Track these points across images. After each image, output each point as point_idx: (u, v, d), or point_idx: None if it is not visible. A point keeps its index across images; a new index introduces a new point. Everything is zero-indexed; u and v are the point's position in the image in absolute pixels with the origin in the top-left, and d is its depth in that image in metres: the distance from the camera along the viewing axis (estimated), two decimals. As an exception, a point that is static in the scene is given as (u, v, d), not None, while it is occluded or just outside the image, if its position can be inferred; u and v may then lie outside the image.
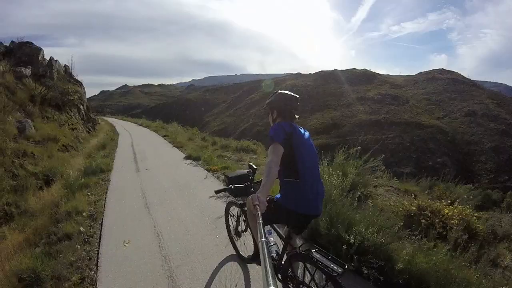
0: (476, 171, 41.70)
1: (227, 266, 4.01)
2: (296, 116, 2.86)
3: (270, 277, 1.05)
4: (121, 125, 37.34)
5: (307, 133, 2.81)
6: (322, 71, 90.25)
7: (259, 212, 1.87)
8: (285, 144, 2.46)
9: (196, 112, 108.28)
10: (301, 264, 2.60)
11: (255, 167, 3.51)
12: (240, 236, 3.98)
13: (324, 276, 2.28)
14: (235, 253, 4.20)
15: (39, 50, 21.54)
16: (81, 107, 23.63)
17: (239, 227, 3.94)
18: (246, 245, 3.92)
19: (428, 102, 62.83)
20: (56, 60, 26.60)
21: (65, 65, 30.33)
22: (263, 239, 1.37)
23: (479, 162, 43.02)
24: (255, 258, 3.50)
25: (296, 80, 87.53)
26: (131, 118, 62.58)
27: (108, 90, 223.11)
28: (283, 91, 2.92)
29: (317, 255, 2.34)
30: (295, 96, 2.89)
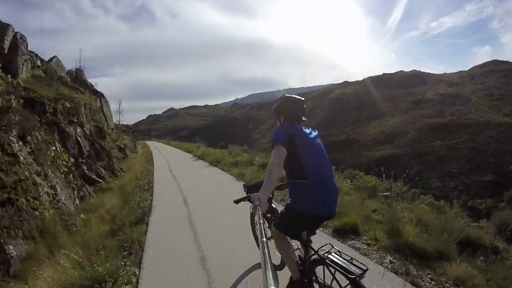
0: None
1: (255, 273, 3.94)
2: (304, 119, 2.91)
3: (271, 277, 1.06)
4: (164, 155, 24.79)
5: (314, 133, 2.83)
6: (370, 76, 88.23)
7: (260, 212, 1.91)
8: (288, 145, 2.51)
9: (244, 130, 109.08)
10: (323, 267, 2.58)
11: None
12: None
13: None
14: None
15: (4, 27, 13.00)
16: (72, 129, 11.93)
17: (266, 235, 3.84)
18: (274, 252, 3.66)
19: (491, 97, 59.34)
20: (54, 56, 19.26)
21: (76, 68, 23.68)
22: (264, 239, 1.40)
23: None
24: (289, 286, 3.24)
25: (344, 88, 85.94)
26: (180, 141, 50.09)
27: (155, 114, 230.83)
28: (288, 95, 2.96)
29: (336, 258, 2.35)
30: (301, 99, 2.92)
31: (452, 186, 35.92)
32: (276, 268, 3.72)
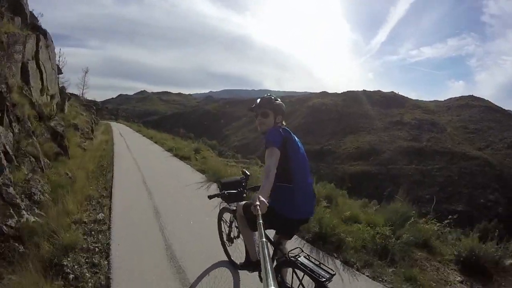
0: (528, 209, 39.53)
1: (218, 272, 3.87)
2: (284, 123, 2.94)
3: (270, 278, 1.07)
4: (135, 158, 13.84)
5: (298, 139, 2.86)
6: (350, 91, 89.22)
7: (259, 213, 1.88)
8: (281, 149, 2.52)
9: (215, 124, 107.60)
10: (290, 270, 2.61)
11: (248, 173, 3.56)
12: (232, 242, 3.93)
13: (313, 283, 2.26)
14: (227, 259, 4.09)
15: None
16: None
17: (232, 233, 3.89)
18: (238, 252, 3.85)
19: (466, 130, 60.98)
20: None
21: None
22: (264, 239, 1.39)
23: (530, 201, 40.72)
24: (246, 265, 3.42)
25: (323, 98, 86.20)
26: (151, 129, 37.43)
27: (126, 94, 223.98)
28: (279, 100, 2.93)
29: (305, 261, 2.38)
30: None
31: (424, 212, 35.66)
32: (237, 267, 3.82)
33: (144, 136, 27.47)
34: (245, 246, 3.39)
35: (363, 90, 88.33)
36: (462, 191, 40.14)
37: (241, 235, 3.45)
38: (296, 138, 2.80)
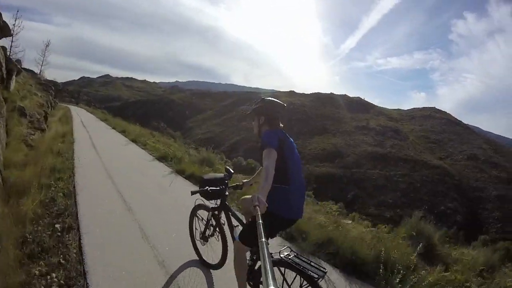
0: (483, 219, 41.27)
1: (187, 272, 3.57)
2: (281, 125, 2.84)
3: (270, 277, 1.06)
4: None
5: (293, 143, 2.83)
6: (318, 92, 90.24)
7: (259, 213, 1.84)
8: (278, 150, 2.49)
9: (180, 115, 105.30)
10: (276, 269, 2.50)
11: (232, 171, 3.49)
12: (207, 241, 3.71)
13: (300, 282, 2.29)
14: (197, 258, 3.86)
15: None
16: None
17: (207, 232, 3.67)
18: (211, 251, 3.69)
19: (427, 140, 62.95)
20: None
21: None
22: (263, 239, 1.39)
23: (485, 210, 42.66)
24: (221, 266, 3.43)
25: (291, 98, 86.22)
26: (119, 117, 31.05)
27: (89, 77, 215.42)
28: (271, 98, 2.88)
29: (297, 260, 2.37)
30: (283, 104, 2.88)
31: (388, 216, 36.12)
32: (211, 267, 3.68)
33: (113, 128, 21.17)
34: (223, 247, 3.43)
35: (331, 93, 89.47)
36: (423, 197, 41.16)
37: (216, 236, 3.52)
38: (291, 139, 2.79)
